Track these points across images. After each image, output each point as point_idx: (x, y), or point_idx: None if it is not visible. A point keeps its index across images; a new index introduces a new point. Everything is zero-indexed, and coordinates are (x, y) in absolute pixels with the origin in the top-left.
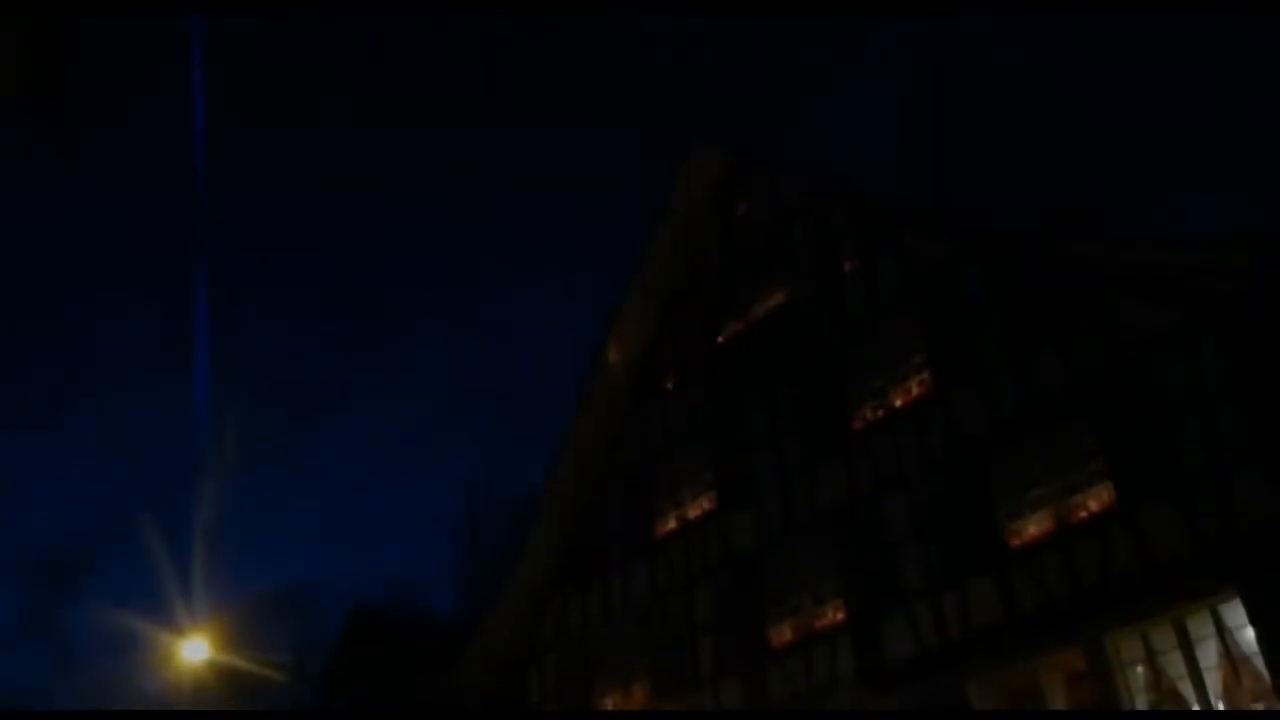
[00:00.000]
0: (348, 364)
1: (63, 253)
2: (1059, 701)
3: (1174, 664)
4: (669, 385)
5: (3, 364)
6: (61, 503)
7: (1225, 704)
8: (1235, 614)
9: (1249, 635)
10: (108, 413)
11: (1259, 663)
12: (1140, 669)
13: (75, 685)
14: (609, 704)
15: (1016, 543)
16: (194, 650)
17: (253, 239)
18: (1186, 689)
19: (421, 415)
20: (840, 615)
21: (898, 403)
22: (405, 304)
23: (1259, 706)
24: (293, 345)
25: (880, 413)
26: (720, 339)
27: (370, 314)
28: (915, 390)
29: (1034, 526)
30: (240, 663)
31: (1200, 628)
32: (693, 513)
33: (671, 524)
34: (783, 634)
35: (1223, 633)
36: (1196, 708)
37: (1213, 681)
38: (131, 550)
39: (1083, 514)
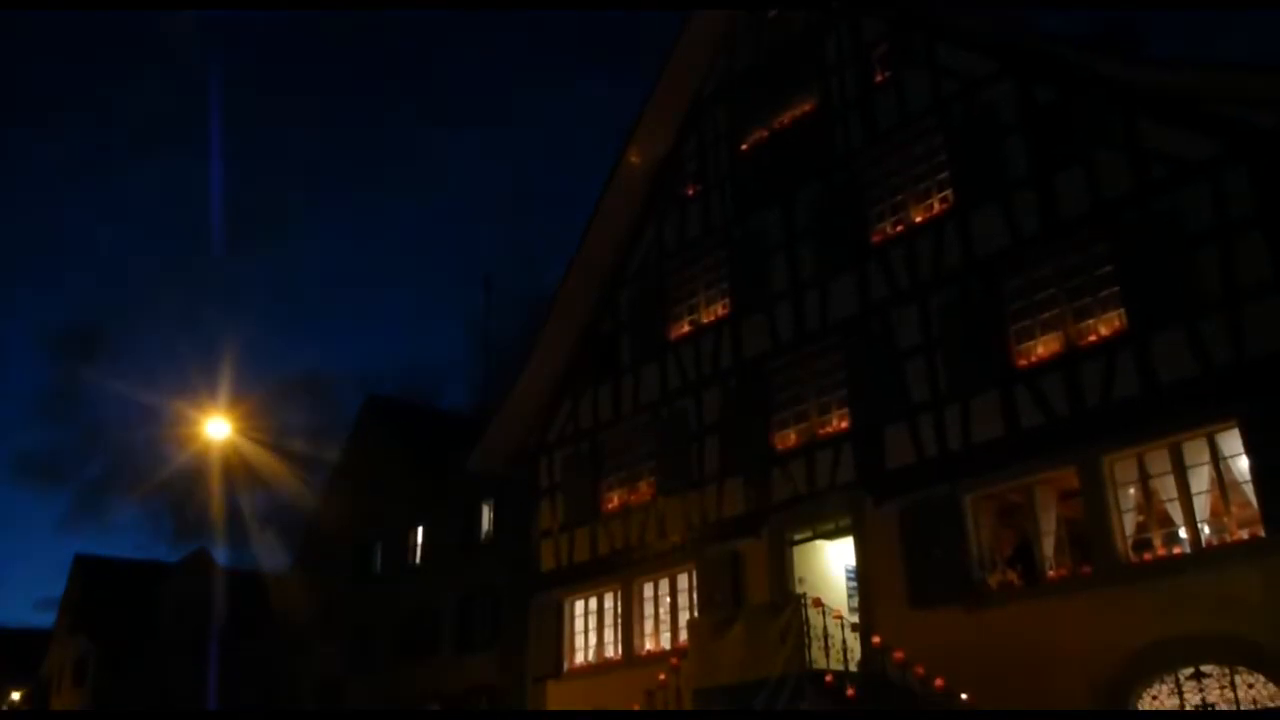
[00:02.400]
0: (373, 155)
1: (79, 30)
2: (1050, 516)
3: (1166, 488)
4: (689, 191)
5: (20, 141)
6: (84, 282)
7: (1211, 529)
8: (1231, 443)
9: (1242, 464)
10: (128, 191)
11: (1249, 490)
12: (1132, 490)
13: (104, 458)
14: (616, 500)
15: (1024, 362)
16: (217, 428)
17: (278, 21)
18: (1175, 512)
19: (442, 208)
20: (844, 423)
21: (918, 218)
22: (435, 98)
23: (1244, 534)
24: (317, 132)
25: (899, 227)
26: (744, 146)
27: (401, 104)
28: (936, 206)
29: (1042, 347)
30: (261, 444)
31: (1195, 454)
32: (706, 318)
33: (685, 328)
34: (787, 439)
35: (1217, 460)
36: (1183, 530)
37: (1201, 506)
38: (154, 331)
39: (1092, 337)
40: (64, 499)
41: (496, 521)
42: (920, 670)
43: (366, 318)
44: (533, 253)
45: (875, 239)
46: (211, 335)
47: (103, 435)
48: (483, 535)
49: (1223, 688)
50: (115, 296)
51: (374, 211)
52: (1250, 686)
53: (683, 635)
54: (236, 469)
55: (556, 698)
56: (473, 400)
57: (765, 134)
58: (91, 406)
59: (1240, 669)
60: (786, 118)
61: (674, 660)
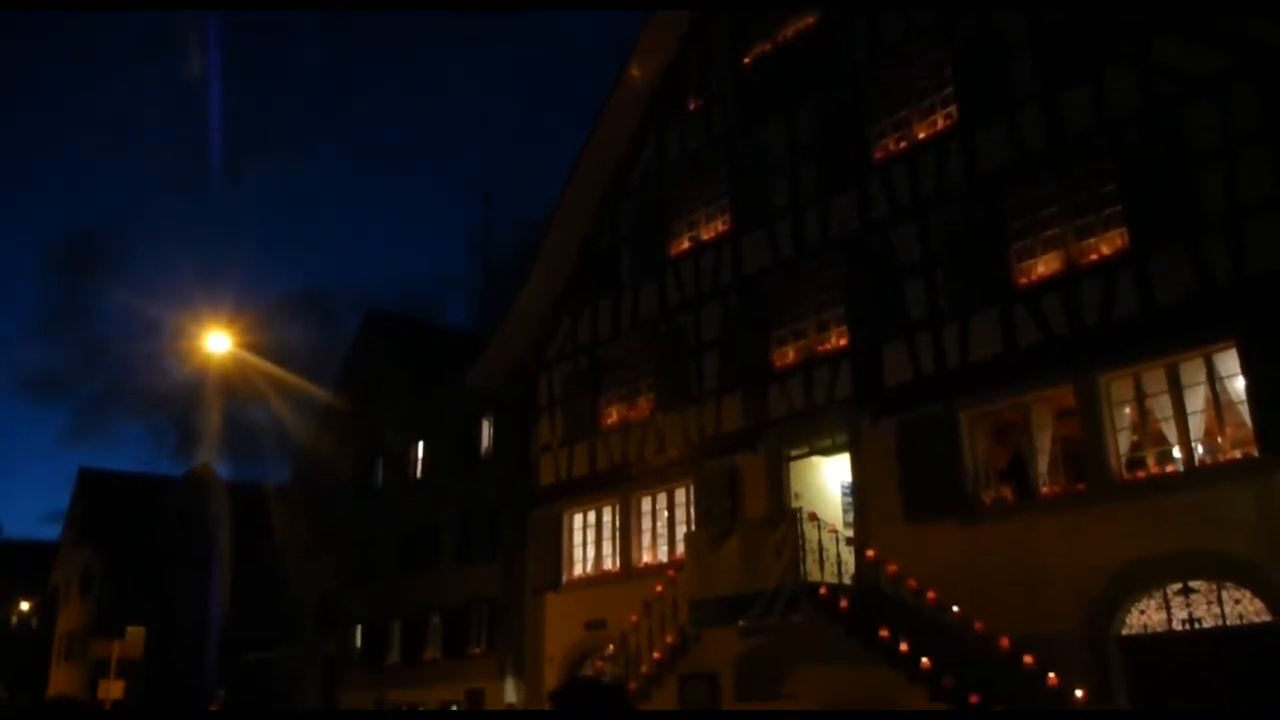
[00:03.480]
0: (373, 71)
1: None
2: (1045, 435)
3: (1162, 407)
4: (691, 106)
5: (20, 53)
6: (83, 198)
7: (1205, 448)
8: (1228, 363)
9: (1238, 384)
10: (128, 105)
11: (1243, 410)
12: (1128, 410)
13: (106, 372)
14: (615, 415)
15: (1024, 281)
16: (217, 342)
17: None
18: (1170, 431)
19: (441, 122)
20: (843, 341)
21: (921, 135)
22: (435, 12)
23: (1237, 454)
24: (313, 41)
25: (902, 144)
26: (746, 60)
27: (402, 20)
28: (940, 123)
29: (1043, 266)
30: (261, 359)
31: (1192, 374)
32: (706, 234)
33: (685, 244)
34: (785, 356)
35: (1213, 380)
36: (1177, 449)
37: (1196, 425)
38: (155, 248)
39: (1093, 256)
40: (67, 413)
41: (496, 437)
42: (913, 583)
43: (367, 236)
44: (533, 172)
45: (878, 156)
46: (211, 251)
47: (104, 350)
48: (483, 450)
49: (1210, 603)
50: (115, 213)
51: (375, 129)
52: (1237, 603)
53: (680, 548)
54: (237, 384)
55: (555, 608)
56: (473, 318)
57: (768, 47)
58: (93, 321)
59: (1228, 585)
60: (790, 31)
61: (671, 572)
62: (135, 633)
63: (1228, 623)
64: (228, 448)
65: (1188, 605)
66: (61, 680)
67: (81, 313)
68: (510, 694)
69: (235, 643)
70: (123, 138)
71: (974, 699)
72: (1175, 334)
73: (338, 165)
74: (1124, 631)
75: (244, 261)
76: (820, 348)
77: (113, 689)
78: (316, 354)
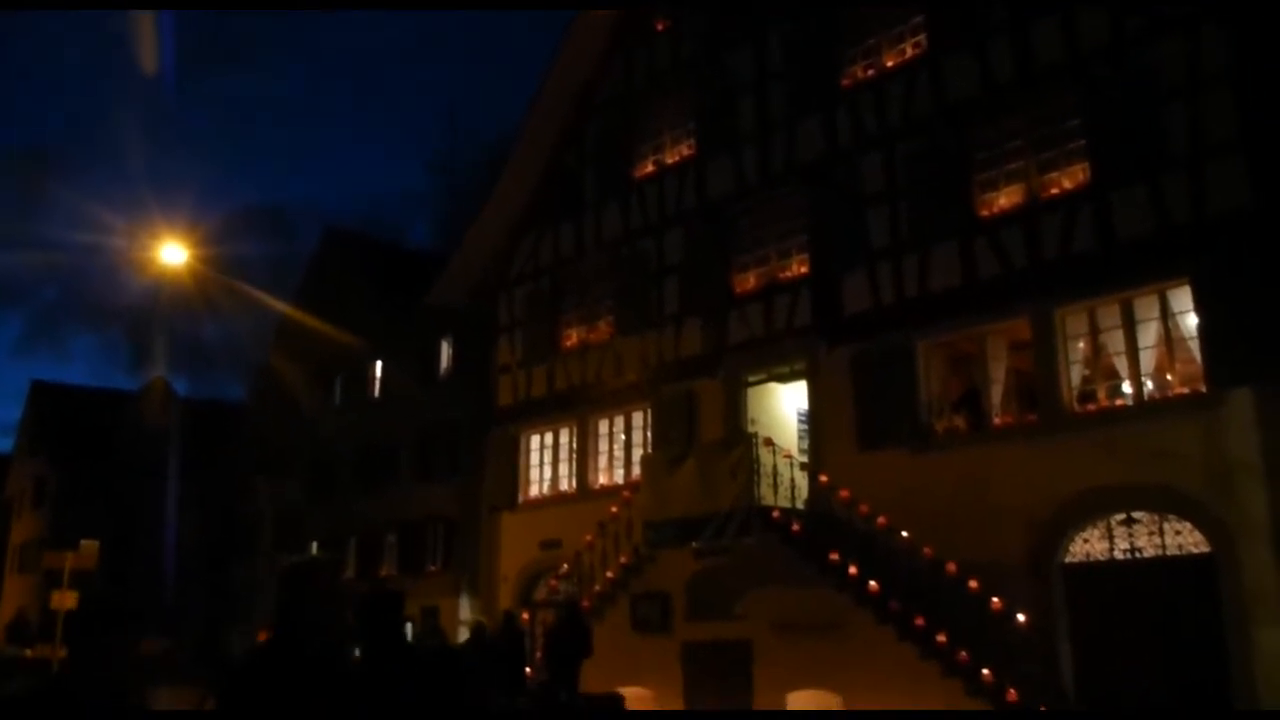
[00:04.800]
0: None
1: None
2: (1000, 366)
3: (1115, 342)
4: (659, 26)
5: None
6: (34, 103)
7: (1154, 383)
8: (1182, 300)
9: (1190, 321)
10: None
11: (1193, 347)
12: (1081, 344)
13: (59, 282)
14: (574, 337)
15: (985, 213)
16: (172, 253)
17: None
18: (1121, 365)
19: (408, 39)
20: (804, 269)
21: (889, 63)
22: None
23: (1185, 389)
24: None
25: (870, 72)
26: None
27: None
28: (909, 52)
29: (1005, 198)
30: (219, 273)
31: (1146, 310)
32: (671, 158)
33: (649, 167)
34: (747, 281)
35: (1166, 317)
36: (1127, 384)
37: (1147, 360)
38: (109, 157)
39: (1055, 190)
40: (18, 322)
41: (456, 357)
42: (865, 509)
43: (329, 153)
44: (499, 91)
45: (845, 83)
46: (168, 165)
47: (56, 259)
48: (442, 370)
49: (1151, 534)
50: (67, 120)
51: (338, 42)
52: (1178, 534)
53: (636, 471)
54: (194, 298)
55: (511, 527)
56: (436, 239)
57: None
58: (44, 229)
59: (1170, 517)
60: None
61: (626, 494)
62: (89, 546)
63: (1168, 553)
64: (184, 365)
65: (1130, 535)
66: (15, 592)
67: (33, 220)
68: (466, 611)
69: (191, 558)
70: (74, 47)
71: (919, 621)
72: (1132, 269)
73: (299, 80)
74: (1067, 559)
75: (201, 175)
76: (781, 275)
77: (66, 599)
78: (276, 271)
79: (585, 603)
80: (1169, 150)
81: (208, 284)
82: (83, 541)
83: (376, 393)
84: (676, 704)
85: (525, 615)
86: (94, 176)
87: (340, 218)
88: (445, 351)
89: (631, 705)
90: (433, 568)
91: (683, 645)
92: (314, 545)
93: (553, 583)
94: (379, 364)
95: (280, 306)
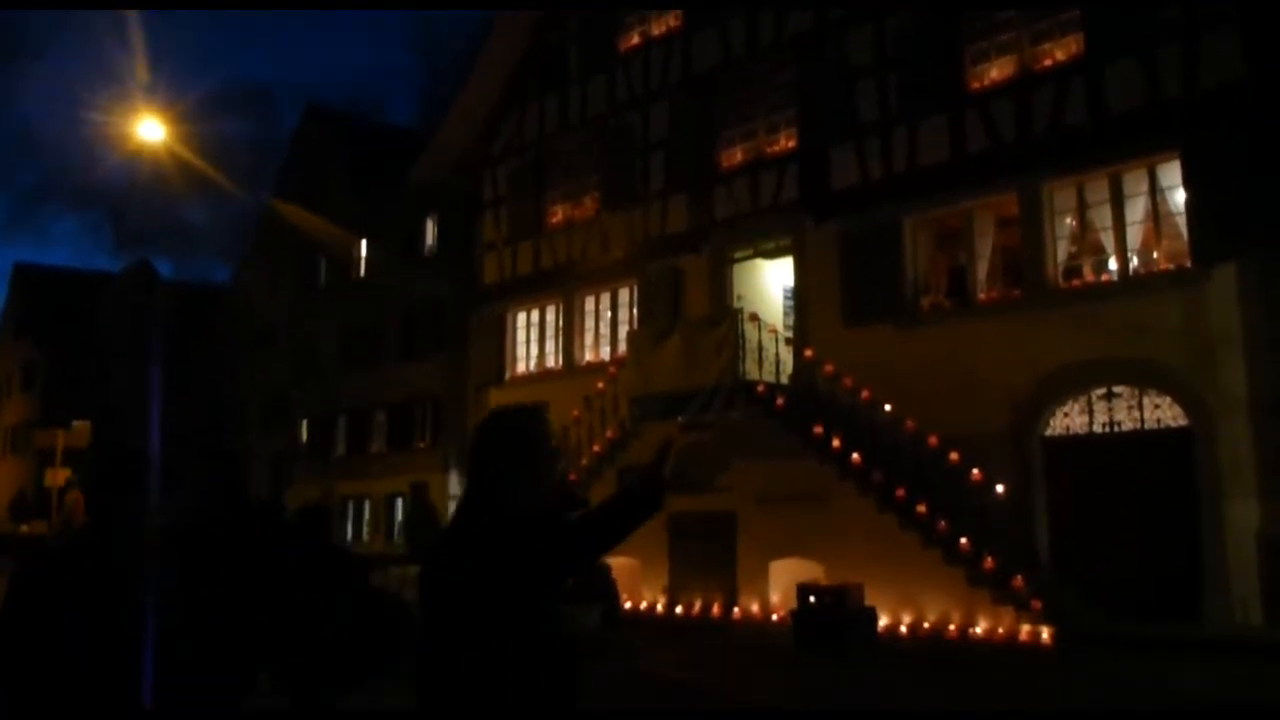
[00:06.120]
0: None
1: None
2: (986, 242)
3: (1102, 217)
4: None
5: None
6: None
7: (1140, 259)
8: (1171, 175)
9: (1179, 196)
10: None
11: (1180, 223)
12: (1069, 219)
13: (36, 163)
14: (560, 214)
15: (975, 86)
16: (149, 129)
17: None
18: (1108, 240)
19: None
20: (792, 143)
21: None
22: None
23: (1170, 265)
24: None
25: None
26: None
27: None
28: None
29: (996, 70)
30: (199, 151)
31: (1135, 185)
32: (657, 29)
33: (634, 39)
34: (733, 156)
35: (1154, 191)
36: (1113, 260)
37: (1134, 236)
38: (82, 31)
39: (1047, 62)
40: None
41: (440, 235)
42: (848, 383)
43: (310, 29)
44: None
45: None
46: (141, 37)
47: (31, 140)
48: (426, 249)
49: (1130, 408)
50: None
51: None
52: (1156, 408)
53: (622, 347)
54: (175, 178)
55: (498, 403)
56: (419, 117)
57: None
58: (16, 108)
59: (1150, 391)
60: None
61: (612, 370)
62: (81, 426)
63: (1145, 426)
64: (168, 247)
65: (1109, 409)
66: (6, 474)
67: (5, 99)
68: (454, 486)
69: (180, 439)
70: None
71: (901, 492)
72: (1122, 143)
73: None
74: (1047, 433)
75: (178, 48)
76: (769, 149)
77: (59, 476)
78: (259, 154)
79: (573, 476)
80: (1164, 20)
81: (189, 164)
82: (75, 422)
83: (362, 272)
84: (662, 572)
85: None
86: (66, 54)
87: (322, 93)
88: (430, 230)
89: (619, 574)
90: (421, 444)
91: (669, 516)
92: (303, 424)
93: None
94: (363, 243)
95: (262, 188)
